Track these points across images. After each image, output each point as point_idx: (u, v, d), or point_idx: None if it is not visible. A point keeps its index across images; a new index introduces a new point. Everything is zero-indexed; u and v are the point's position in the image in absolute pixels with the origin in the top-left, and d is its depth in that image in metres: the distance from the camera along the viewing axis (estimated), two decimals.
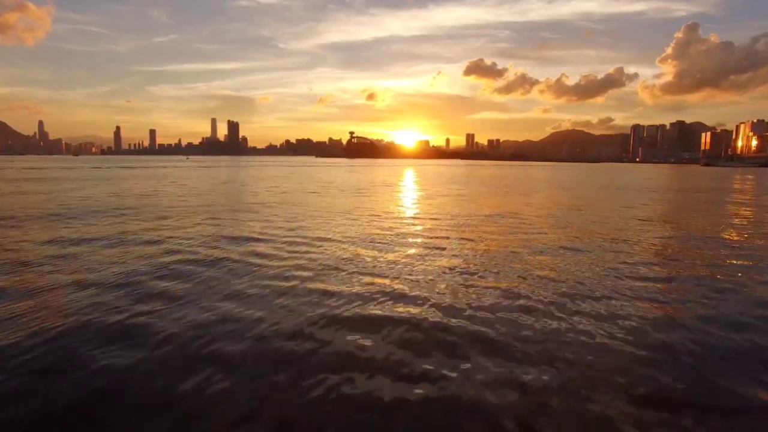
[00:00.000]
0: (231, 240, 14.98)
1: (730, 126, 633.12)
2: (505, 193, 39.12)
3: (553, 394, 5.51)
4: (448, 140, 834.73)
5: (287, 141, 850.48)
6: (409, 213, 23.31)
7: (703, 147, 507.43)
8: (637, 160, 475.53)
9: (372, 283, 9.99)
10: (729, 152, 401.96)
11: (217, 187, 39.87)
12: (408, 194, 36.40)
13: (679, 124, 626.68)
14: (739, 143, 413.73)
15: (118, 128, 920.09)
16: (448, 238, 15.90)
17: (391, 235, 16.36)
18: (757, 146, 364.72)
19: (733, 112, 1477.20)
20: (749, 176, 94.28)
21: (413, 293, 9.31)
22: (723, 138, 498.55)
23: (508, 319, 7.95)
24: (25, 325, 7.36)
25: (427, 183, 52.31)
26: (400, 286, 9.77)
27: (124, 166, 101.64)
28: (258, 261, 11.99)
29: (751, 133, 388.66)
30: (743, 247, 15.25)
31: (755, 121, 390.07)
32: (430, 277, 10.56)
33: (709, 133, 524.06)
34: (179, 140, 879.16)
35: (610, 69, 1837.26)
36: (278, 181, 52.62)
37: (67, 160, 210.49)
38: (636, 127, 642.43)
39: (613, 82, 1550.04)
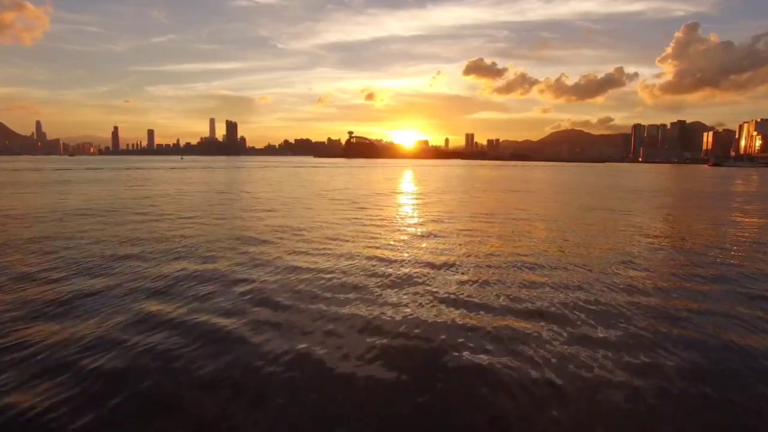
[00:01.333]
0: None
1: (730, 125, 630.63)
2: (540, 199, 34.11)
3: None
4: (447, 140, 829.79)
5: (286, 141, 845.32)
6: (434, 250, 15.37)
7: (704, 147, 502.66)
8: (640, 160, 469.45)
9: None
10: (732, 152, 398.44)
11: (181, 197, 33.09)
12: (418, 208, 28.39)
13: (680, 124, 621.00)
14: (743, 143, 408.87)
15: (116, 128, 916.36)
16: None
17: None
18: (762, 146, 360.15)
19: (733, 112, 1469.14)
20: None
21: None
22: (725, 138, 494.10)
23: None
24: None
25: (436, 189, 45.88)
26: None
27: (100, 168, 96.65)
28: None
29: (755, 133, 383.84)
30: None
31: (759, 120, 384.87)
32: None
33: (711, 133, 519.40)
34: (177, 140, 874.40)
35: (610, 69, 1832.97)
36: (264, 187, 47.80)
37: (60, 160, 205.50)
38: (637, 127, 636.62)
39: (612, 81, 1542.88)
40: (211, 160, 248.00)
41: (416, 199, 34.07)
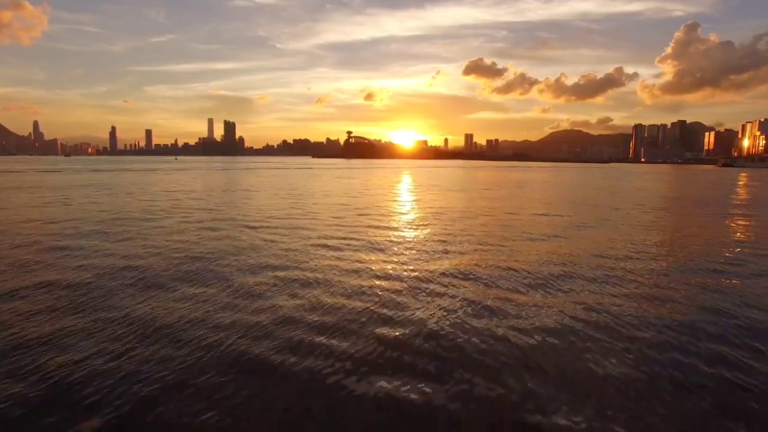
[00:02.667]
0: None
1: (729, 125, 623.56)
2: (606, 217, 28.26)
3: None
4: (446, 140, 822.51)
5: (284, 141, 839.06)
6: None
7: (706, 147, 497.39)
8: (642, 160, 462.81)
9: None
10: (734, 152, 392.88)
11: (110, 217, 24.95)
12: (453, 245, 17.40)
13: (681, 124, 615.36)
14: (745, 143, 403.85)
15: (113, 128, 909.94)
16: None
17: None
18: (766, 145, 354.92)
19: (732, 112, 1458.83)
20: None
21: None
22: (727, 138, 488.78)
23: None
24: None
25: (451, 202, 35.54)
26: None
27: (63, 170, 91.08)
28: None
29: (758, 133, 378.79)
30: None
31: (763, 120, 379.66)
32: None
33: (712, 133, 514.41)
34: (176, 140, 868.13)
35: (609, 69, 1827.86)
36: (239, 197, 42.37)
37: (48, 161, 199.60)
38: (638, 127, 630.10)
39: (612, 81, 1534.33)
40: (207, 160, 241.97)
41: (437, 223, 23.34)
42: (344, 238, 18.27)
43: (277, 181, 61.55)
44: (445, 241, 17.77)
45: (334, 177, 74.33)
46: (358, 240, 17.99)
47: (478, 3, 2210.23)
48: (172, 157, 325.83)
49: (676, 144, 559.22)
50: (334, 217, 24.57)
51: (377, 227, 21.35)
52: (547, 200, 36.85)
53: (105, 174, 74.21)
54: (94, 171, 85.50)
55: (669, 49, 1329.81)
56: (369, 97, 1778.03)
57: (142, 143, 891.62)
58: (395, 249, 16.32)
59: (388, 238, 18.46)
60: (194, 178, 64.63)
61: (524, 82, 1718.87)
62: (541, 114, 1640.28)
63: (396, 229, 21.21)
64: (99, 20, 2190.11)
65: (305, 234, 19.28)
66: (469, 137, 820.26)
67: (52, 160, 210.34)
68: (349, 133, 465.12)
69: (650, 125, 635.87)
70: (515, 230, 20.79)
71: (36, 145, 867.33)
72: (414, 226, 22.10)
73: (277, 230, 20.26)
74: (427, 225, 22.39)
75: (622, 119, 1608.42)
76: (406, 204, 33.49)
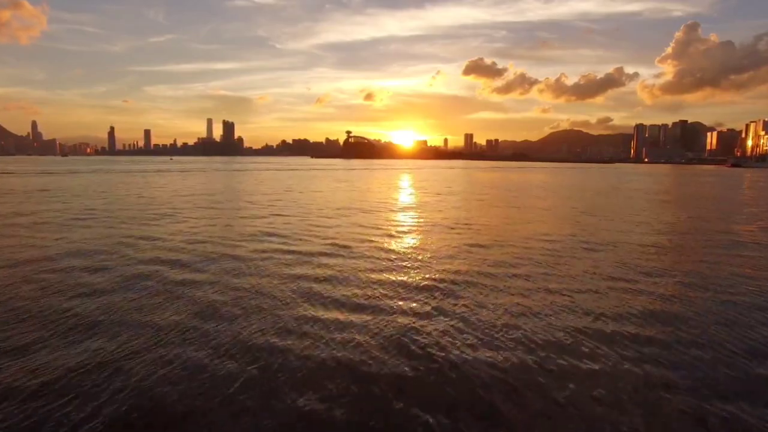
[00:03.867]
0: None
1: (729, 125, 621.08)
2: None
3: None
4: (446, 140, 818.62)
5: (284, 141, 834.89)
6: None
7: (708, 147, 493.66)
8: (645, 160, 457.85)
9: None
10: (737, 151, 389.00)
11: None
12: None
13: (682, 124, 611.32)
14: (749, 143, 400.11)
15: (112, 128, 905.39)
16: None
17: None
18: None
19: (732, 112, 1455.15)
20: None
21: None
22: (729, 137, 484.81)
23: None
24: None
25: (487, 220, 27.50)
26: None
27: (39, 171, 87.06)
28: None
29: (762, 132, 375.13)
30: None
31: (767, 119, 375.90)
32: None
33: (715, 133, 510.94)
34: (175, 141, 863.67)
35: (609, 69, 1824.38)
36: (206, 212, 38.29)
37: (40, 161, 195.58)
38: (639, 127, 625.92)
39: (612, 81, 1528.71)
40: (205, 161, 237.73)
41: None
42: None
43: (272, 184, 57.55)
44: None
45: (333, 180, 70.25)
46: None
47: (477, 3, 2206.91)
48: (168, 158, 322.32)
49: (677, 144, 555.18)
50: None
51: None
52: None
53: (81, 177, 69.95)
54: (74, 173, 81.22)
55: (669, 49, 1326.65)
56: (369, 97, 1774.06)
57: (141, 143, 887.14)
58: None
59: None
60: (173, 182, 60.41)
61: (524, 82, 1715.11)
62: (541, 114, 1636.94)
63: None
64: (99, 20, 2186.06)
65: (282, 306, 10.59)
66: (468, 137, 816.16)
67: (45, 161, 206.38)
68: (348, 133, 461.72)
69: (651, 125, 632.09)
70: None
71: (35, 145, 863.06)
72: None
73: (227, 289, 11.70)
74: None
75: (622, 119, 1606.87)
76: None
